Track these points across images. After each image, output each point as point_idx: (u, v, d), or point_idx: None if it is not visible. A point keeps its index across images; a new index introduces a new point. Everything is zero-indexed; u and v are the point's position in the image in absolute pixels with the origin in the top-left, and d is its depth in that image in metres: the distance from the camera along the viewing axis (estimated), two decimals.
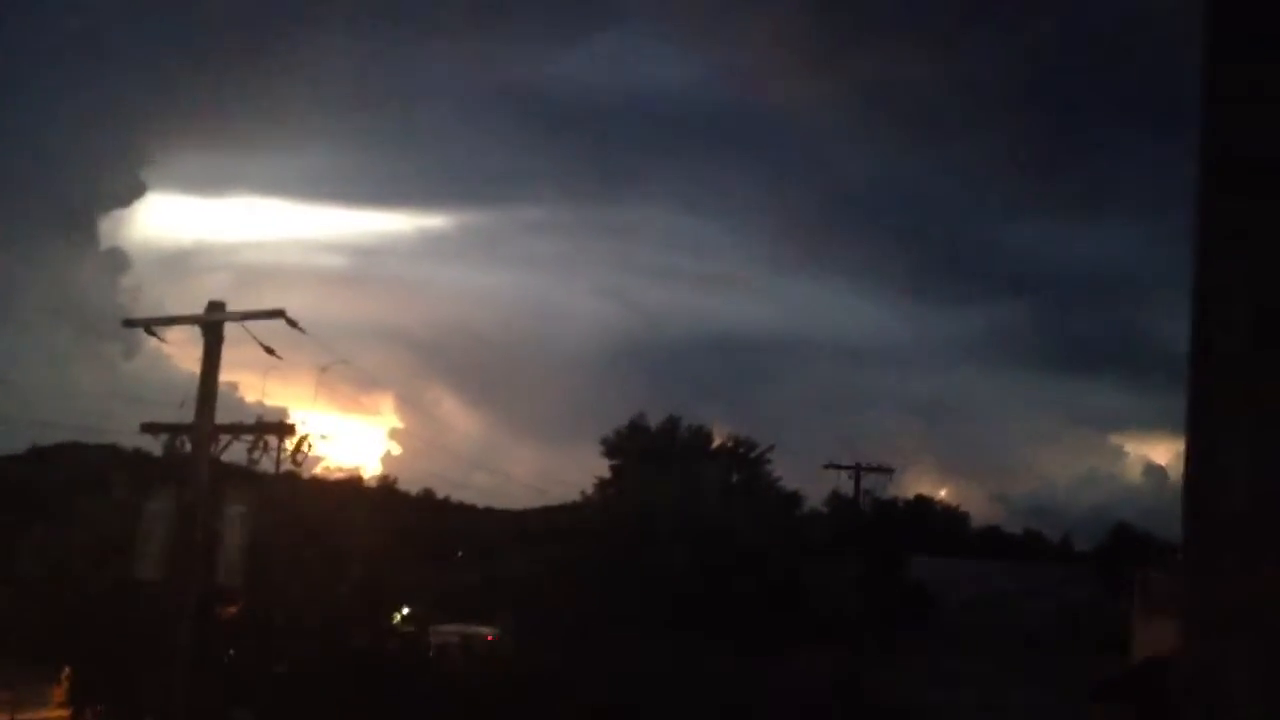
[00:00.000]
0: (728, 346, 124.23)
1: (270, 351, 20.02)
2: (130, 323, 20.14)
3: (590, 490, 53.07)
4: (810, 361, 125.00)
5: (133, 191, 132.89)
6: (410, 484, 69.27)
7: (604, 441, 51.61)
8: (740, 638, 37.35)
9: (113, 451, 46.26)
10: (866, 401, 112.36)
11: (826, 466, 40.83)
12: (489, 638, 43.76)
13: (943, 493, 62.56)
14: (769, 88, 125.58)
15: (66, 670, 38.85)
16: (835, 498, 46.43)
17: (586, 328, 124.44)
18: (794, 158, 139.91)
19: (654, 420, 52.54)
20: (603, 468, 52.54)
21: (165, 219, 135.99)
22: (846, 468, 39.98)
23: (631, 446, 51.71)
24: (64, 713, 36.87)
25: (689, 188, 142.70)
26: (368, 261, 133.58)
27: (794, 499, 50.61)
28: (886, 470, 41.51)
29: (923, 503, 55.00)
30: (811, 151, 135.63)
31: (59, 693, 37.97)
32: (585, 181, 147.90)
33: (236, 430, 19.59)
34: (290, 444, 20.91)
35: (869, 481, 39.94)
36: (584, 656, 34.68)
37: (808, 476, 54.57)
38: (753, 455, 51.00)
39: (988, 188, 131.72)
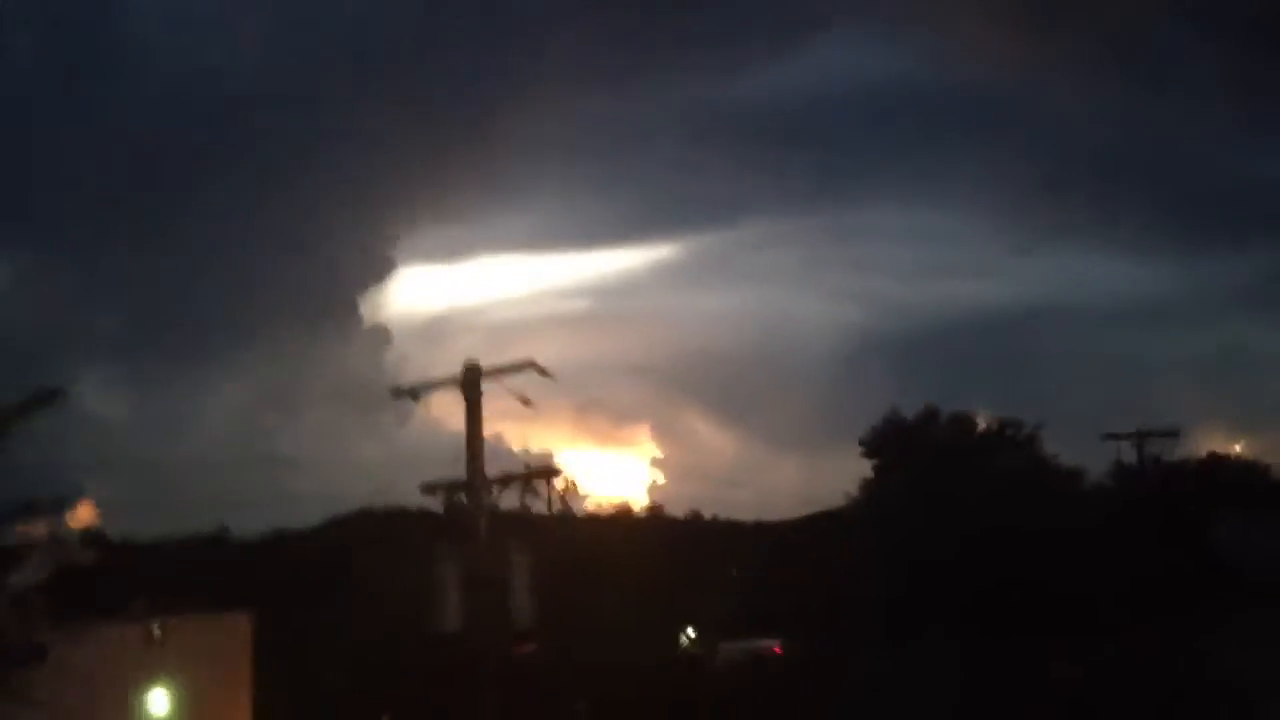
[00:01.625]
0: (979, 331, 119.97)
1: (525, 402, 20.82)
2: (398, 392, 21.39)
3: (854, 492, 52.20)
4: (1070, 332, 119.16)
5: (385, 269, 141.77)
6: (676, 509, 70.36)
7: (862, 442, 50.63)
8: (1043, 631, 35.80)
9: (400, 514, 49.00)
10: (1139, 366, 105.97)
11: (1105, 437, 38.76)
12: (776, 649, 43.66)
13: (1237, 448, 58.12)
14: (983, 66, 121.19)
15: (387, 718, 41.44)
16: (1119, 468, 43.85)
17: (828, 333, 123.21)
18: (1019, 132, 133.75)
19: (910, 413, 51.19)
20: (865, 469, 51.61)
21: (417, 291, 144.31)
22: (1127, 436, 37.82)
23: (891, 443, 50.50)
24: None
25: (916, 179, 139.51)
26: (607, 301, 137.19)
27: (1075, 475, 48.12)
28: (1171, 433, 38.98)
29: (1216, 460, 51.22)
30: (1036, 122, 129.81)
31: None
32: (810, 189, 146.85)
33: (506, 479, 20.46)
34: (558, 484, 21.60)
35: (1154, 446, 37.62)
36: (887, 659, 34.09)
37: (1086, 451, 51.66)
38: (1021, 436, 48.86)
39: (1233, 125, 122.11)
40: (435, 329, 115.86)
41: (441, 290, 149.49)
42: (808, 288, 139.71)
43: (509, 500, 21.88)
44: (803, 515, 58.01)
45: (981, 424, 50.38)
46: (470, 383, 19.72)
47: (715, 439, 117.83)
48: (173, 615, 40.33)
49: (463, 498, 20.79)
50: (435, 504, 22.67)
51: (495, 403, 20.82)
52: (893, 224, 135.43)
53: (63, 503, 13.13)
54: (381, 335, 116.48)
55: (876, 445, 50.23)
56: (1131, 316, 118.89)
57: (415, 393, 20.79)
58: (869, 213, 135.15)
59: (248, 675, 42.01)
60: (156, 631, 39.77)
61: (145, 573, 46.34)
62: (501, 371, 19.86)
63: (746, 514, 66.89)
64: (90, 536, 45.02)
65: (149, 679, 38.67)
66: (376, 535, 49.15)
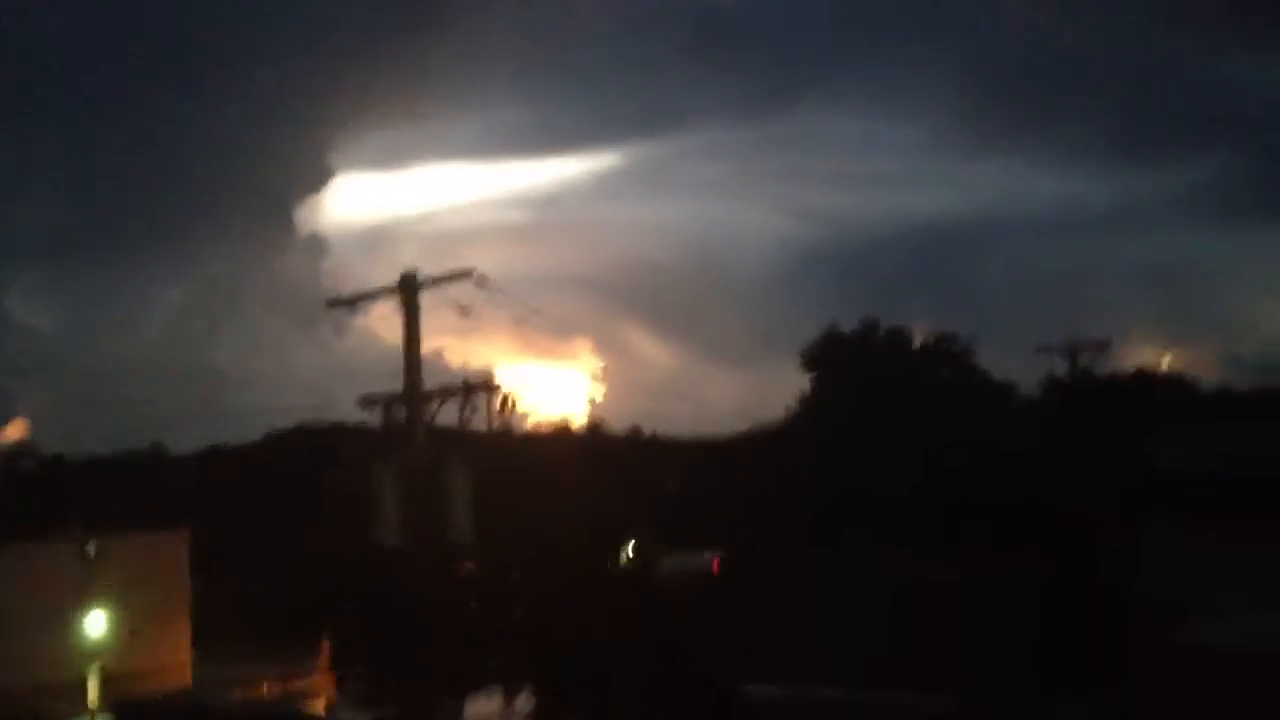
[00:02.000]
0: (919, 243, 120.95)
1: (464, 312, 20.51)
2: (333, 303, 20.98)
3: (794, 405, 52.65)
4: (1008, 244, 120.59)
5: (322, 177, 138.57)
6: (617, 424, 70.55)
7: (801, 355, 50.95)
8: (976, 543, 36.52)
9: (338, 429, 48.63)
10: (1074, 277, 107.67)
11: (1037, 350, 39.33)
12: (714, 561, 44.27)
13: (1165, 361, 59.31)
14: None
15: (326, 637, 41.56)
16: (1050, 382, 44.58)
17: (769, 245, 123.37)
18: (961, 39, 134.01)
19: (849, 327, 51.51)
20: (804, 383, 51.97)
21: (355, 199, 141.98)
22: (1058, 348, 38.41)
23: (829, 357, 50.86)
24: (329, 676, 39.51)
25: (856, 88, 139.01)
26: (548, 211, 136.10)
27: (1007, 389, 48.88)
28: (1102, 345, 39.60)
29: (1145, 375, 52.24)
30: (978, 28, 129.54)
31: (323, 661, 40.67)
32: (750, 98, 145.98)
33: (445, 394, 20.22)
34: (496, 401, 21.42)
35: (1085, 359, 38.23)
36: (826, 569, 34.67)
37: (1021, 366, 52.47)
38: (957, 349, 49.44)
39: (1178, 33, 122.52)
40: (373, 238, 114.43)
41: (380, 198, 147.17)
42: (748, 199, 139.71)
43: (448, 416, 21.64)
44: (742, 430, 58.46)
45: (918, 338, 50.92)
46: (408, 293, 19.38)
47: (655, 352, 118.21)
48: (109, 533, 39.97)
49: (403, 412, 20.56)
50: (374, 418, 22.41)
51: (434, 317, 20.53)
52: (832, 133, 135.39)
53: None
54: (318, 244, 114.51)
55: (815, 359, 50.61)
56: (1069, 227, 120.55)
57: (352, 303, 20.39)
58: (809, 121, 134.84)
59: (185, 591, 41.87)
60: (91, 550, 39.44)
61: (80, 489, 45.74)
62: (440, 281, 19.52)
63: (686, 429, 67.34)
64: (20, 451, 44.27)
65: (85, 599, 38.43)
66: (315, 450, 48.79)
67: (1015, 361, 50.39)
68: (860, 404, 47.27)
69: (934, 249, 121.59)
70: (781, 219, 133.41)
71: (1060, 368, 40.26)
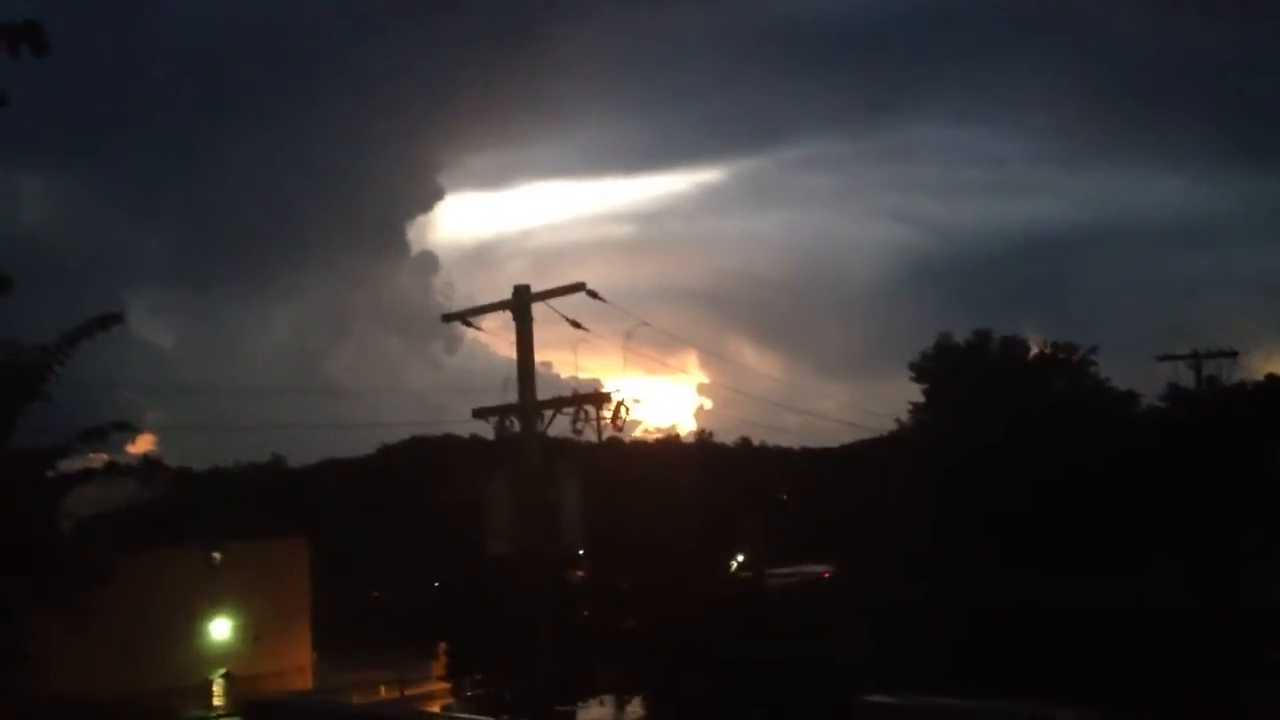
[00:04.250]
0: (1032, 253, 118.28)
1: (576, 325, 20.72)
2: (447, 317, 21.36)
3: (904, 418, 51.78)
4: (1124, 253, 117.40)
5: (432, 196, 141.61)
6: (725, 435, 70.38)
7: (912, 366, 50.09)
8: (1090, 560, 35.48)
9: (451, 441, 49.46)
10: (1197, 285, 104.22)
11: (1161, 358, 38.06)
12: (825, 574, 43.79)
13: None
14: None
15: (442, 646, 42.20)
16: (1174, 391, 43.08)
17: (876, 255, 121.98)
18: (1069, 46, 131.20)
19: (962, 337, 50.51)
20: (915, 394, 51.12)
21: (464, 218, 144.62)
22: (1183, 357, 37.09)
23: (942, 368, 49.94)
24: (446, 685, 40.10)
25: (962, 97, 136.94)
26: (653, 225, 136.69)
27: (1129, 398, 47.36)
28: (1228, 354, 38.19)
29: (1275, 382, 50.15)
30: (1086, 36, 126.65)
31: (438, 667, 41.32)
32: (854, 109, 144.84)
33: (557, 404, 20.38)
34: (608, 411, 21.50)
35: (1211, 367, 36.91)
36: (936, 587, 34.02)
37: (1140, 375, 50.93)
38: (1074, 360, 48.07)
39: None
40: (482, 255, 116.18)
41: (488, 216, 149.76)
42: (855, 210, 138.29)
43: (559, 428, 21.82)
44: (852, 441, 57.80)
45: (1034, 348, 49.66)
46: (520, 306, 19.62)
47: (763, 364, 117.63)
48: (232, 542, 41.35)
49: (514, 424, 20.78)
50: (486, 430, 22.70)
51: (543, 330, 20.76)
52: (940, 143, 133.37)
53: (126, 427, 13.21)
54: (429, 262, 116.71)
55: (927, 370, 49.71)
56: (1187, 235, 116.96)
57: (466, 316, 20.74)
58: (916, 132, 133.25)
59: (305, 598, 43.08)
60: (216, 557, 40.83)
61: (203, 500, 47.31)
62: (551, 294, 19.73)
63: (794, 440, 66.85)
64: (149, 464, 45.97)
65: (210, 603, 39.76)
66: (427, 462, 49.66)
67: (1135, 372, 48.90)
68: (975, 414, 46.28)
69: (1047, 259, 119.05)
70: (889, 229, 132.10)
71: (1185, 378, 38.92)
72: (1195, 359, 36.79)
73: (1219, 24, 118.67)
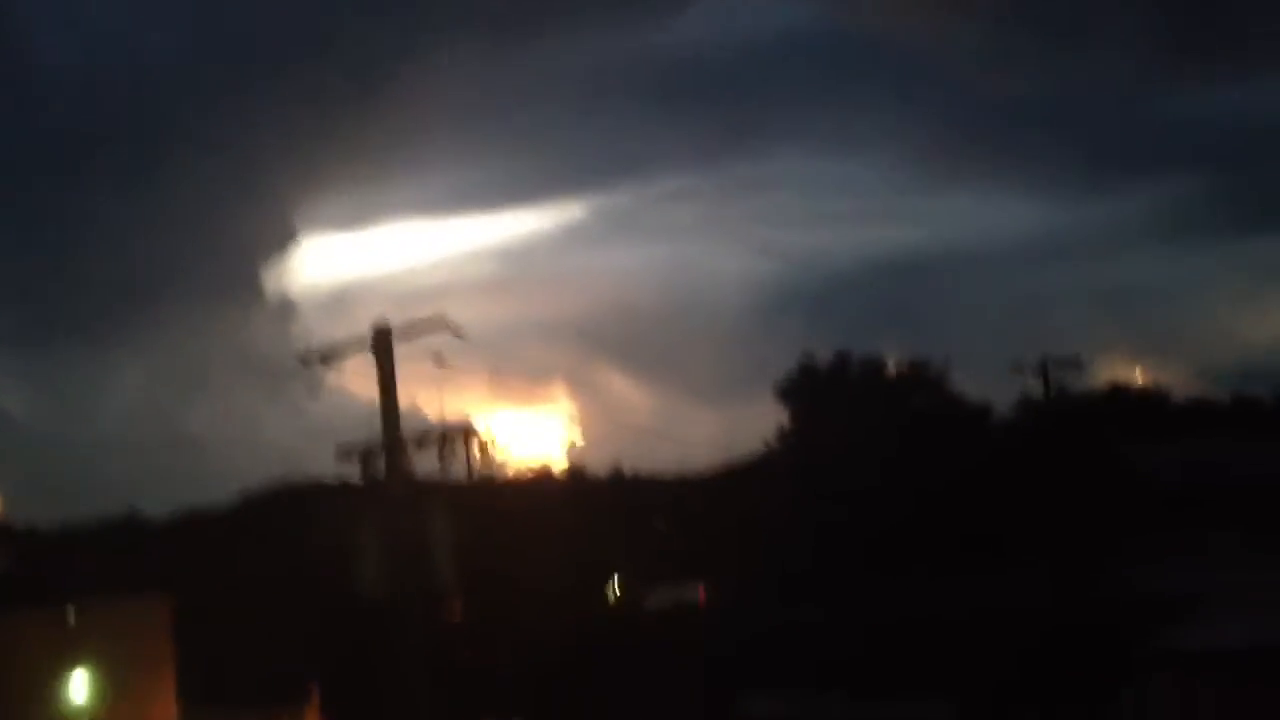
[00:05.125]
0: (888, 276, 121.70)
1: (440, 362, 20.64)
2: (306, 359, 20.97)
3: (771, 441, 52.86)
4: (976, 273, 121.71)
5: (285, 239, 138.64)
6: (598, 466, 70.43)
7: (776, 390, 51.32)
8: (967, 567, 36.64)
9: (316, 487, 48.33)
10: (1042, 302, 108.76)
11: (1011, 371, 39.62)
12: (701, 592, 44.54)
13: (1138, 375, 59.90)
14: (885, 14, 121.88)
15: (313, 690, 41.15)
16: (1025, 402, 45.01)
17: (740, 284, 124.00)
18: (920, 81, 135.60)
19: (823, 360, 51.89)
20: (783, 417, 52.26)
21: (320, 261, 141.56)
22: (1031, 367, 38.71)
23: (804, 390, 51.24)
24: None
25: (820, 129, 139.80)
26: (516, 263, 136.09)
27: (983, 412, 49.27)
28: (1074, 362, 39.98)
29: (1119, 390, 52.75)
30: (937, 71, 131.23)
31: (311, 709, 40.25)
32: (714, 142, 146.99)
33: (423, 439, 20.23)
34: (475, 445, 21.41)
35: (1059, 378, 38.59)
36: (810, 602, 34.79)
37: (996, 387, 52.93)
38: (931, 376, 49.87)
39: (1132, 66, 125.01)
40: (341, 299, 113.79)
41: (346, 259, 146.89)
42: (717, 240, 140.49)
43: (427, 466, 21.61)
44: (723, 466, 58.57)
45: (892, 367, 51.33)
46: (381, 344, 19.45)
47: (632, 395, 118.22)
48: (88, 601, 39.53)
49: (379, 464, 20.51)
50: (353, 474, 22.34)
51: (407, 369, 20.57)
52: (799, 173, 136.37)
53: None
54: (286, 308, 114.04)
55: (792, 392, 50.93)
56: (1035, 254, 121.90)
57: (325, 357, 20.40)
58: (775, 163, 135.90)
59: (169, 657, 41.35)
60: (71, 618, 38.96)
61: (55, 561, 45.27)
62: (412, 331, 19.61)
63: (667, 468, 67.27)
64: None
65: (68, 666, 37.93)
66: (293, 508, 48.50)
67: (989, 385, 50.86)
68: (837, 433, 47.55)
69: (904, 282, 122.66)
70: (751, 259, 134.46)
71: (1035, 388, 40.65)
72: (1043, 368, 38.45)
73: (1060, 61, 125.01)
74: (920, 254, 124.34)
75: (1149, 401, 51.52)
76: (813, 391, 51.16)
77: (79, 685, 38.08)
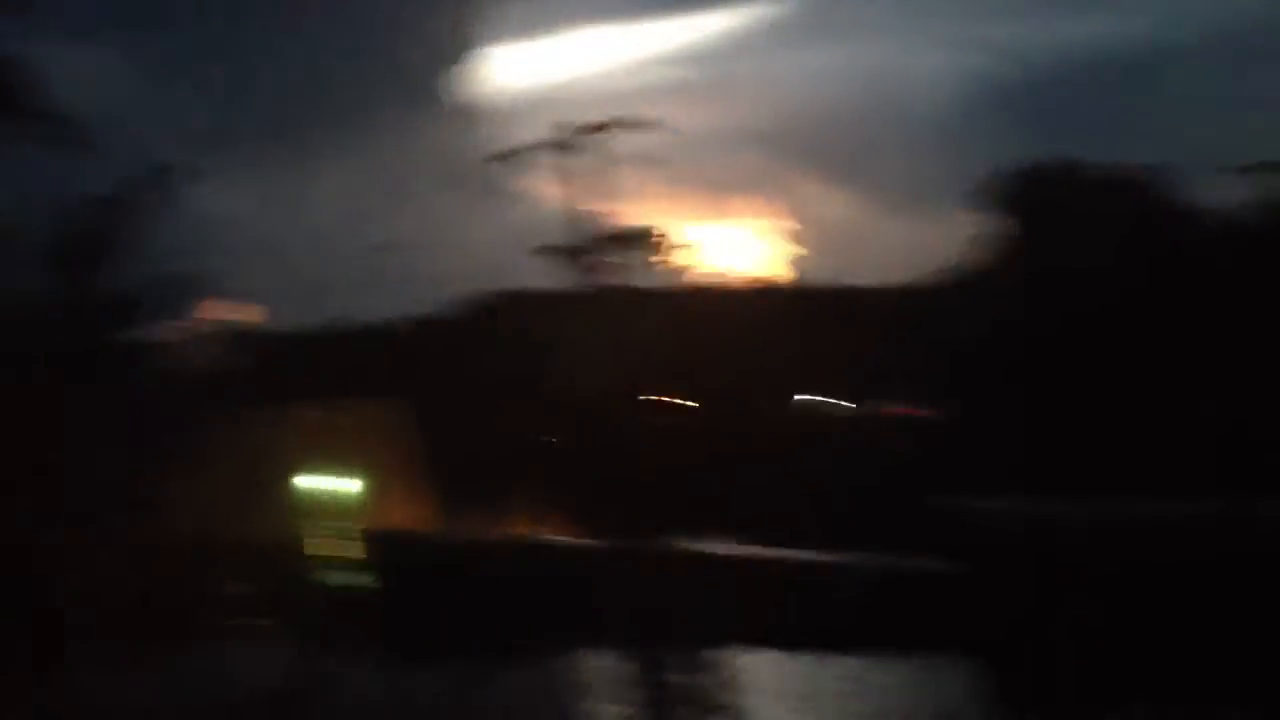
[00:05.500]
0: (1106, 72, 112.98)
1: (630, 162, 20.96)
2: (494, 158, 21.53)
3: (983, 250, 51.17)
4: (1210, 69, 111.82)
5: (476, 46, 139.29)
6: (801, 277, 69.89)
7: (972, 197, 49.18)
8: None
9: (519, 293, 50.00)
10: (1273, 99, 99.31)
11: (1239, 170, 37.01)
12: (914, 412, 44.04)
13: None
14: None
15: (533, 490, 43.67)
16: (1258, 203, 41.97)
17: (945, 83, 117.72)
18: None
19: (1039, 164, 49.47)
20: (996, 226, 50.30)
21: (511, 69, 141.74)
22: (1263, 167, 36.07)
23: (1023, 197, 49.12)
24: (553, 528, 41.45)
25: None
26: (709, 66, 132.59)
27: (1207, 215, 46.21)
28: None
29: None
30: None
31: (534, 512, 42.87)
32: None
33: (619, 239, 20.74)
34: (665, 248, 21.84)
35: None
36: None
37: (1222, 194, 49.34)
38: (1147, 179, 46.91)
39: None
40: (531, 106, 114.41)
41: (535, 66, 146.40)
42: (922, 36, 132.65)
43: (624, 270, 22.19)
44: (918, 278, 57.03)
45: (1103, 172, 48.56)
46: (578, 141, 19.80)
47: (831, 203, 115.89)
48: (335, 400, 42.89)
49: (583, 263, 21.20)
50: (557, 279, 23.14)
51: (609, 180, 20.82)
52: None
53: (197, 276, 13.98)
54: (477, 115, 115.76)
55: (994, 199, 48.99)
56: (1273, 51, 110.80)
57: (511, 156, 20.86)
58: None
59: (415, 454, 44.63)
60: (321, 413, 42.49)
61: (291, 362, 48.95)
62: (601, 129, 19.81)
63: (864, 279, 65.93)
64: (238, 329, 47.56)
65: (320, 460, 41.53)
66: (508, 313, 50.52)
67: (1216, 190, 47.36)
68: (1062, 243, 45.72)
69: (1123, 77, 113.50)
70: (959, 54, 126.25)
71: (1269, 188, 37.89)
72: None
73: None
74: (1142, 48, 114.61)
75: None
76: (1033, 199, 49.07)
77: (329, 479, 41.73)
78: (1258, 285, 37.37)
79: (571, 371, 22.26)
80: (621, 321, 21.76)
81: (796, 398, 45.85)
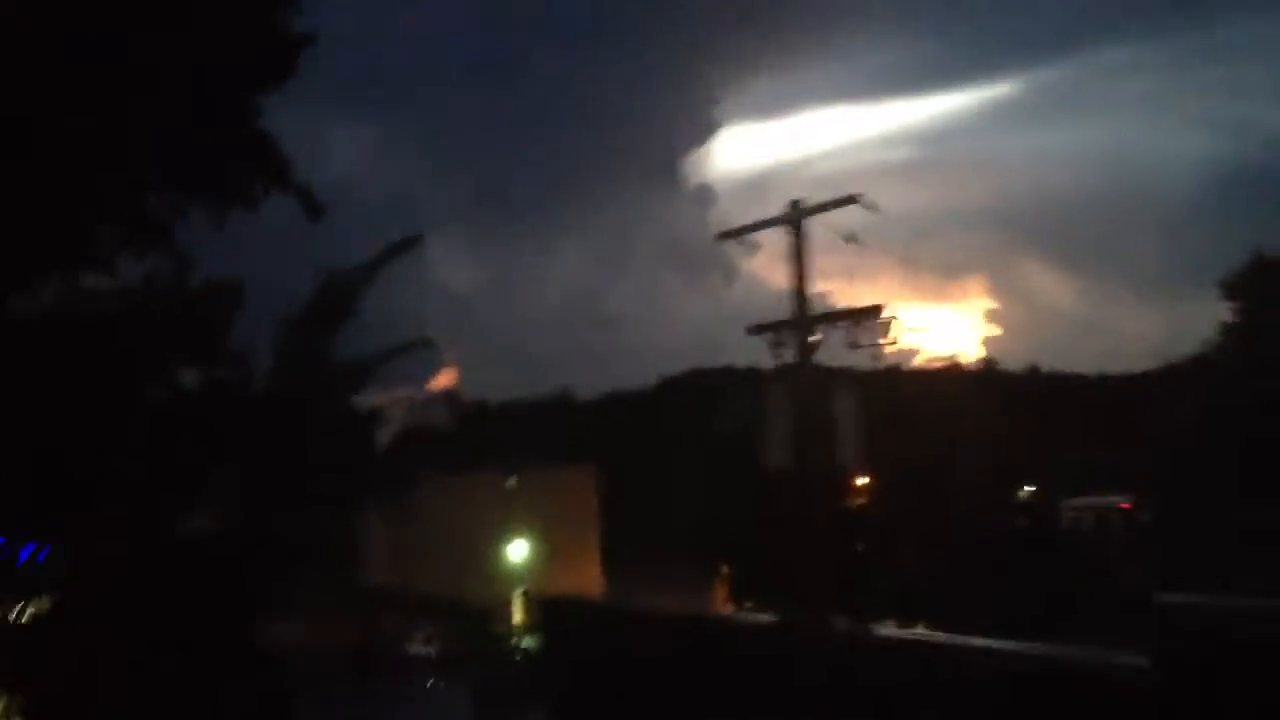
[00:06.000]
0: None
1: (851, 239, 20.43)
2: (724, 235, 21.49)
3: (1215, 339, 48.00)
4: None
5: (708, 128, 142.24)
6: (1013, 363, 67.59)
7: (1221, 284, 46.26)
8: None
9: (728, 371, 50.01)
10: None
11: None
12: (1124, 506, 41.37)
13: None
14: None
15: (725, 569, 42.99)
16: None
17: (1190, 167, 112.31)
18: None
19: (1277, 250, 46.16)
20: (1224, 315, 47.27)
21: (740, 149, 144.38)
22: None
23: (1257, 283, 45.89)
24: (729, 604, 40.87)
25: None
26: (937, 147, 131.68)
27: None
28: None
29: None
30: None
31: (722, 590, 42.15)
32: (1166, 6, 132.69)
33: (831, 317, 20.16)
34: (885, 330, 21.02)
35: None
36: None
37: None
38: None
39: None
40: (758, 186, 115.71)
41: (764, 146, 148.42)
42: (1166, 118, 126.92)
43: (837, 356, 21.52)
44: (1158, 367, 54.03)
45: None
46: (795, 220, 19.48)
47: (1055, 289, 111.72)
48: (526, 467, 43.64)
49: (790, 347, 20.66)
50: (764, 360, 22.68)
51: (823, 257, 20.52)
52: (1264, 38, 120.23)
53: (428, 344, 14.01)
54: (705, 195, 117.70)
55: (1240, 287, 45.86)
56: None
57: (742, 233, 20.79)
58: (1236, 28, 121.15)
59: (594, 521, 44.92)
60: (512, 482, 43.23)
61: (497, 429, 50.15)
62: (827, 206, 19.46)
63: (1089, 367, 63.10)
64: (450, 395, 49.08)
65: (508, 524, 42.20)
66: (706, 391, 50.44)
67: None
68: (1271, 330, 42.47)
69: None
70: (1203, 137, 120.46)
71: None
72: None
73: None
74: None
75: None
76: (1266, 285, 45.76)
77: (518, 545, 42.28)
78: None
79: (769, 445, 21.54)
80: (828, 400, 21.00)
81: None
